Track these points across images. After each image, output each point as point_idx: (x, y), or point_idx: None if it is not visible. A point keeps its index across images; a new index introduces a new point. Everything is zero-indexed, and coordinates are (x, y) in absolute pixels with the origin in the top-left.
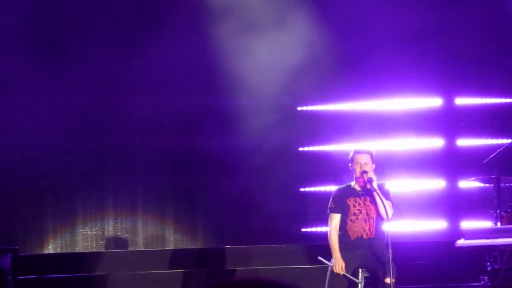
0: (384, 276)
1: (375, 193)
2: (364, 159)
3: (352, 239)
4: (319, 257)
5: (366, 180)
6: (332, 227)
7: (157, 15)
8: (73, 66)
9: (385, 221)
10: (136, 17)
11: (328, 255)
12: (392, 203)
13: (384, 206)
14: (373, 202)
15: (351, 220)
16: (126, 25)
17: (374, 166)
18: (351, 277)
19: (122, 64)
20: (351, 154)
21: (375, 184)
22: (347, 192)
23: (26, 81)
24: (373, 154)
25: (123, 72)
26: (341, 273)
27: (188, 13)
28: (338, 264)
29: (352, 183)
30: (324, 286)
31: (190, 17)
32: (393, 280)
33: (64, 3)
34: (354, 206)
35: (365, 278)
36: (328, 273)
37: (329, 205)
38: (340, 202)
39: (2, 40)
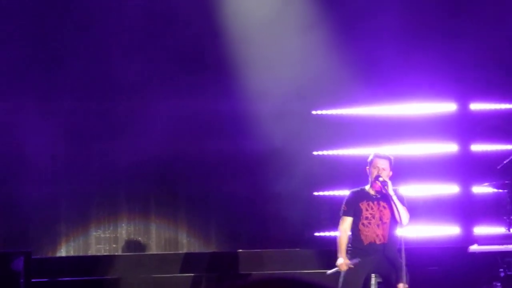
0: (397, 282)
1: (391, 198)
2: (382, 164)
3: (365, 244)
4: (328, 272)
5: (380, 183)
6: (341, 229)
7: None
8: (83, 70)
9: (400, 226)
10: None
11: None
12: (407, 209)
13: (399, 212)
14: (387, 207)
15: (363, 224)
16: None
17: (391, 173)
18: (354, 261)
19: (138, 68)
20: (370, 157)
21: (390, 189)
22: (361, 195)
23: (50, 84)
24: (392, 161)
25: (138, 77)
26: (348, 265)
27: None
28: (342, 264)
29: (367, 187)
30: None
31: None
32: (407, 286)
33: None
34: (367, 210)
35: (378, 283)
36: (341, 279)
37: (342, 208)
38: (353, 205)
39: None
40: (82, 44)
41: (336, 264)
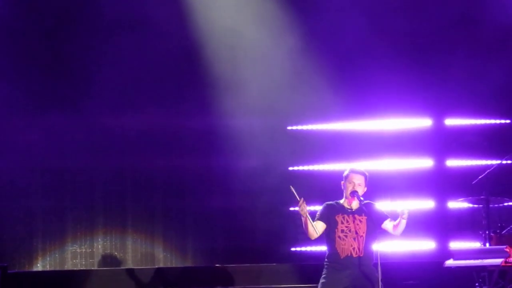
0: None
1: (402, 219)
2: (358, 179)
3: (341, 257)
4: (291, 187)
5: (356, 195)
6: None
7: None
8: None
9: (394, 236)
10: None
11: (316, 276)
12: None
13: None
14: (363, 221)
15: (339, 237)
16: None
17: (365, 189)
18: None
19: (115, 83)
20: (346, 172)
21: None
22: (336, 208)
23: (28, 97)
24: (367, 177)
25: (113, 90)
26: (301, 206)
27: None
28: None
29: (342, 201)
30: None
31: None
32: None
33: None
34: (342, 223)
35: None
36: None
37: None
38: (327, 216)
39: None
40: (61, 56)
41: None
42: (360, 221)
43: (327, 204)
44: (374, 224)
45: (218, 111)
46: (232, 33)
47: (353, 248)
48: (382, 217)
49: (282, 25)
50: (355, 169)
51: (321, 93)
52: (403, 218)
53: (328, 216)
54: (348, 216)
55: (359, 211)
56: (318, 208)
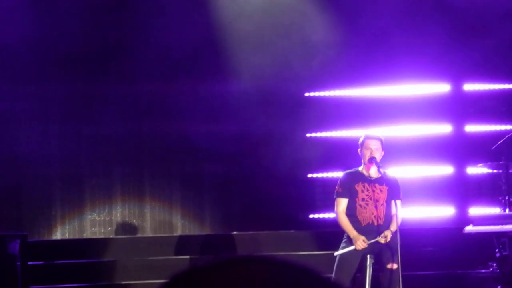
0: (388, 262)
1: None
2: (374, 145)
3: (363, 225)
4: (336, 253)
5: (375, 164)
6: (339, 211)
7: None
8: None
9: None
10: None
11: (335, 242)
12: (401, 200)
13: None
14: (384, 190)
15: (360, 205)
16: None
17: (383, 153)
18: (374, 240)
19: (125, 52)
20: (361, 139)
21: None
22: (355, 177)
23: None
24: (383, 141)
25: (127, 59)
26: (366, 245)
27: None
28: (359, 240)
29: (360, 168)
30: (332, 272)
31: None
32: (397, 266)
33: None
34: (363, 191)
35: (373, 264)
36: (337, 259)
37: (336, 190)
38: (348, 187)
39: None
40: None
41: (343, 245)
42: (381, 191)
43: (346, 174)
44: (393, 196)
45: (234, 77)
46: None
47: (374, 216)
48: (396, 196)
49: None
50: (370, 135)
51: (339, 59)
52: (381, 238)
53: (349, 187)
54: (369, 185)
55: (380, 180)
56: (336, 174)
